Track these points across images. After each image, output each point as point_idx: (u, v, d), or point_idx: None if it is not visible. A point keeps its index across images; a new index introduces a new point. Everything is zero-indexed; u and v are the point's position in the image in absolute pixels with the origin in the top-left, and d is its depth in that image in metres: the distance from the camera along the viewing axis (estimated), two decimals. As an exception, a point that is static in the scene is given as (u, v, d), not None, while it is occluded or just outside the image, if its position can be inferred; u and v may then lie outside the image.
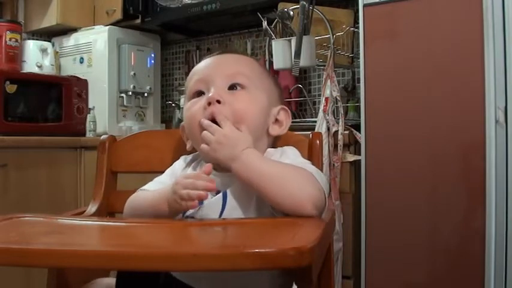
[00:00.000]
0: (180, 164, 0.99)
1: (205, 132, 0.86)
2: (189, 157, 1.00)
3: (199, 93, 0.91)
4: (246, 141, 0.85)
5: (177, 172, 0.96)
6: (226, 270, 0.73)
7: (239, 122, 0.87)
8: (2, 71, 2.37)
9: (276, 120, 0.95)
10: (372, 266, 1.63)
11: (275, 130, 0.95)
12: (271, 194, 0.79)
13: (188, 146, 0.96)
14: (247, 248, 0.59)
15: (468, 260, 1.47)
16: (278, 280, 0.86)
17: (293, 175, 0.81)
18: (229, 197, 0.86)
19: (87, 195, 2.20)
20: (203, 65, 0.95)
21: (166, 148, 1.13)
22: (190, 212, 0.88)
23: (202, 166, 0.94)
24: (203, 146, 0.86)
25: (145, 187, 0.95)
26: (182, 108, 2.61)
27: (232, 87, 0.90)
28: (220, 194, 0.87)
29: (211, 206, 0.86)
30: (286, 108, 0.97)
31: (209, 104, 0.87)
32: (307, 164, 0.90)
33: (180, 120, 2.64)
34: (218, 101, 0.87)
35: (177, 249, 0.65)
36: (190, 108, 0.91)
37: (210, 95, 0.87)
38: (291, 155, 0.92)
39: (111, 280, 0.93)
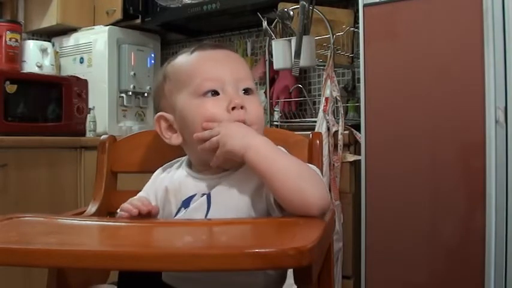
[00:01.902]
0: (160, 176, 0.98)
1: (209, 130, 0.85)
2: (169, 164, 0.99)
3: (212, 92, 0.89)
4: (254, 131, 0.85)
5: (159, 188, 0.95)
6: (226, 270, 0.73)
7: (253, 126, 0.88)
8: (2, 71, 2.37)
9: None
10: (372, 265, 1.63)
11: None
12: (283, 188, 0.78)
13: (177, 141, 0.92)
14: (247, 248, 0.59)
15: (468, 259, 1.47)
16: (271, 276, 0.86)
17: (306, 175, 0.80)
18: (214, 199, 0.86)
19: (87, 195, 2.20)
20: (208, 61, 0.91)
21: (166, 148, 1.12)
22: (178, 215, 0.88)
23: (184, 169, 0.94)
24: (210, 142, 0.84)
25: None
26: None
27: (245, 90, 0.90)
28: (205, 196, 0.86)
29: (196, 209, 0.86)
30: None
31: (233, 108, 0.87)
32: (310, 165, 0.90)
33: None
34: (242, 107, 0.87)
35: (177, 249, 0.65)
36: (205, 106, 0.88)
37: (236, 100, 0.87)
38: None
39: (110, 287, 0.93)
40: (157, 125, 0.94)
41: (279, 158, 0.81)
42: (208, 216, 0.85)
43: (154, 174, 0.99)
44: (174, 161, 0.99)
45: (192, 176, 0.92)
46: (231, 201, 0.85)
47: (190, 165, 0.95)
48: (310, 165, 0.89)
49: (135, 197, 0.96)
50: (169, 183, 0.93)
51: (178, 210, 0.89)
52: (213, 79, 0.89)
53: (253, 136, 0.83)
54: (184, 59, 0.93)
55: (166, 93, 0.93)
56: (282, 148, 0.90)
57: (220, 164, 0.87)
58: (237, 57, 0.96)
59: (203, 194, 0.87)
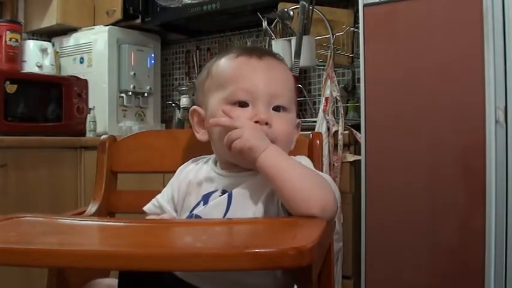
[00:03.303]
0: (187, 168, 0.99)
1: (226, 118, 0.86)
2: (197, 158, 1.01)
3: (242, 103, 0.89)
4: (267, 139, 0.86)
5: (183, 181, 0.96)
6: (226, 270, 0.73)
7: (276, 142, 0.88)
8: (2, 71, 2.37)
9: None
10: (372, 265, 1.63)
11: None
12: (288, 189, 0.79)
13: (204, 137, 0.94)
14: (247, 248, 0.59)
15: (468, 259, 1.47)
16: (281, 279, 0.87)
17: (313, 178, 0.81)
18: (235, 198, 0.86)
19: (87, 195, 2.20)
20: (247, 70, 0.90)
21: (167, 148, 1.13)
22: (195, 211, 0.89)
23: (209, 165, 0.95)
24: (233, 132, 0.84)
25: (145, 208, 0.98)
26: (183, 108, 2.61)
27: (276, 107, 0.90)
28: (226, 194, 0.87)
29: (216, 206, 0.87)
30: (300, 122, 0.98)
31: (256, 122, 0.87)
32: (322, 173, 0.90)
33: (180, 120, 2.64)
34: (266, 123, 0.87)
35: (177, 249, 0.65)
36: (231, 115, 0.88)
37: (262, 116, 0.87)
38: (304, 164, 0.92)
39: (111, 281, 0.93)
40: (191, 118, 0.97)
41: (286, 162, 0.83)
42: (227, 215, 0.86)
43: (181, 167, 1.00)
44: (203, 156, 1.00)
45: (215, 172, 0.93)
46: (250, 202, 0.86)
47: (216, 162, 0.96)
48: (321, 173, 0.89)
49: (158, 197, 0.97)
50: (194, 177, 0.95)
51: (198, 204, 0.90)
52: (247, 90, 0.88)
53: (268, 142, 0.85)
54: (227, 62, 0.93)
55: (205, 90, 0.94)
56: (304, 158, 0.91)
57: (235, 161, 0.88)
58: (279, 70, 0.94)
59: (224, 191, 0.88)
